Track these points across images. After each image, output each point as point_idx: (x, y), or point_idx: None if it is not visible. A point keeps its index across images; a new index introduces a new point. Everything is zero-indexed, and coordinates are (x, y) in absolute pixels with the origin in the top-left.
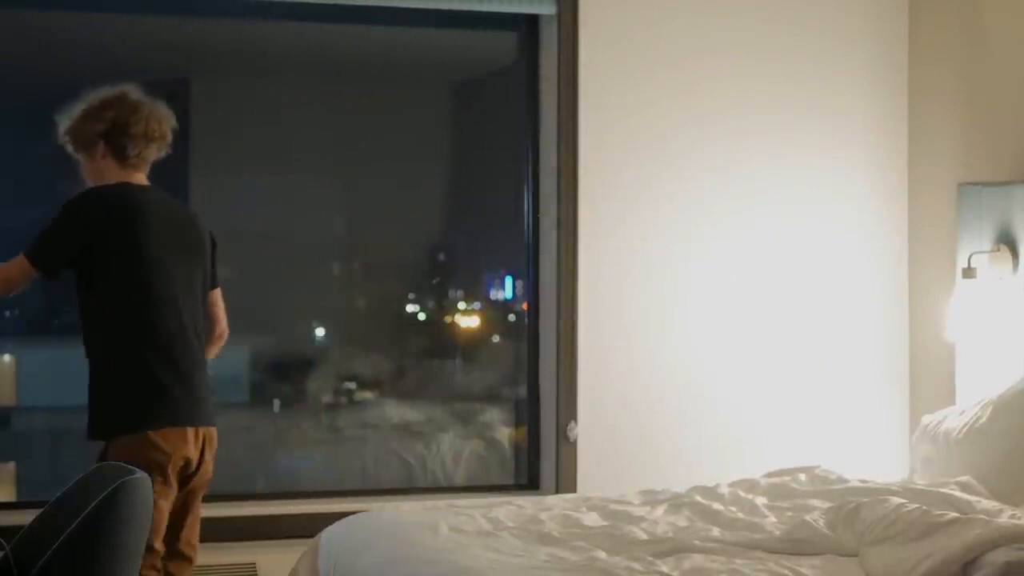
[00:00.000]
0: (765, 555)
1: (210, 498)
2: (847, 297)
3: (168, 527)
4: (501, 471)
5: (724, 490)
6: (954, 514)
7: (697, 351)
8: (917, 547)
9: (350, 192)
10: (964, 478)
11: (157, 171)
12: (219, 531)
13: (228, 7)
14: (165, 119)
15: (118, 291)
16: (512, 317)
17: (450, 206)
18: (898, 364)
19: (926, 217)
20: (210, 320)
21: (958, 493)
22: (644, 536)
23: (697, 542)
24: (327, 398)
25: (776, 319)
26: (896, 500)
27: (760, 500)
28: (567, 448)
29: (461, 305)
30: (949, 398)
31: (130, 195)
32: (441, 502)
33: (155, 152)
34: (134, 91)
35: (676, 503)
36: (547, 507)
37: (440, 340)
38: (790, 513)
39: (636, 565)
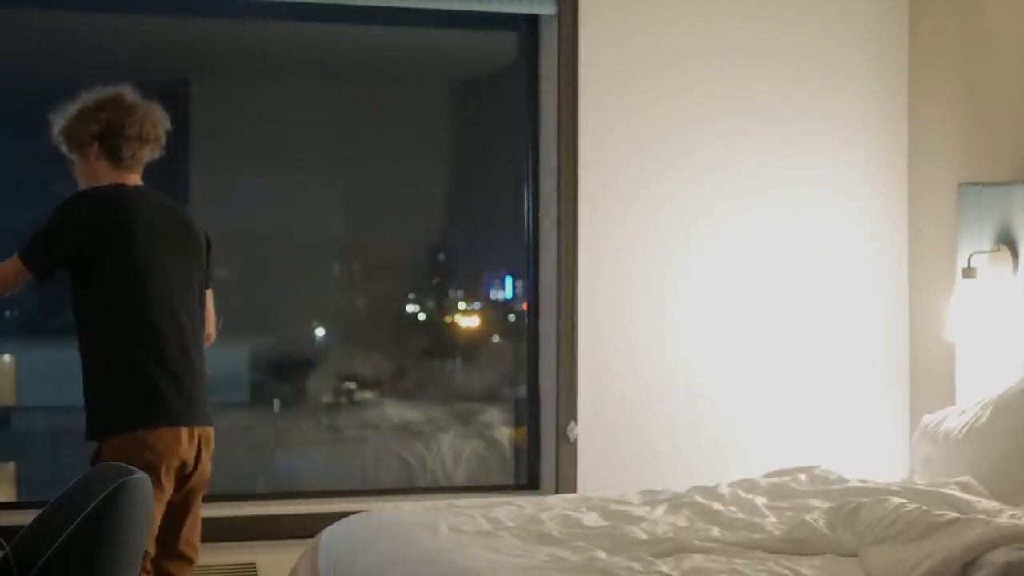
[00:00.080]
0: (765, 555)
1: (210, 498)
2: (847, 297)
3: (168, 528)
4: (501, 471)
5: (724, 490)
6: (954, 514)
7: (697, 351)
8: (917, 547)
9: (350, 192)
10: (964, 478)
11: (158, 171)
12: (219, 531)
13: (228, 7)
14: (160, 121)
15: (111, 292)
16: (512, 317)
17: (450, 206)
18: (898, 364)
19: (926, 217)
20: None
21: (958, 493)
22: (644, 536)
23: (697, 542)
24: (327, 398)
25: (776, 319)
26: (896, 500)
27: (760, 500)
28: (567, 448)
29: (461, 305)
30: (949, 398)
31: (123, 196)
32: (441, 502)
33: (149, 153)
34: (129, 92)
35: (676, 503)
36: (547, 507)
37: (440, 340)
38: (790, 513)
39: (636, 565)
